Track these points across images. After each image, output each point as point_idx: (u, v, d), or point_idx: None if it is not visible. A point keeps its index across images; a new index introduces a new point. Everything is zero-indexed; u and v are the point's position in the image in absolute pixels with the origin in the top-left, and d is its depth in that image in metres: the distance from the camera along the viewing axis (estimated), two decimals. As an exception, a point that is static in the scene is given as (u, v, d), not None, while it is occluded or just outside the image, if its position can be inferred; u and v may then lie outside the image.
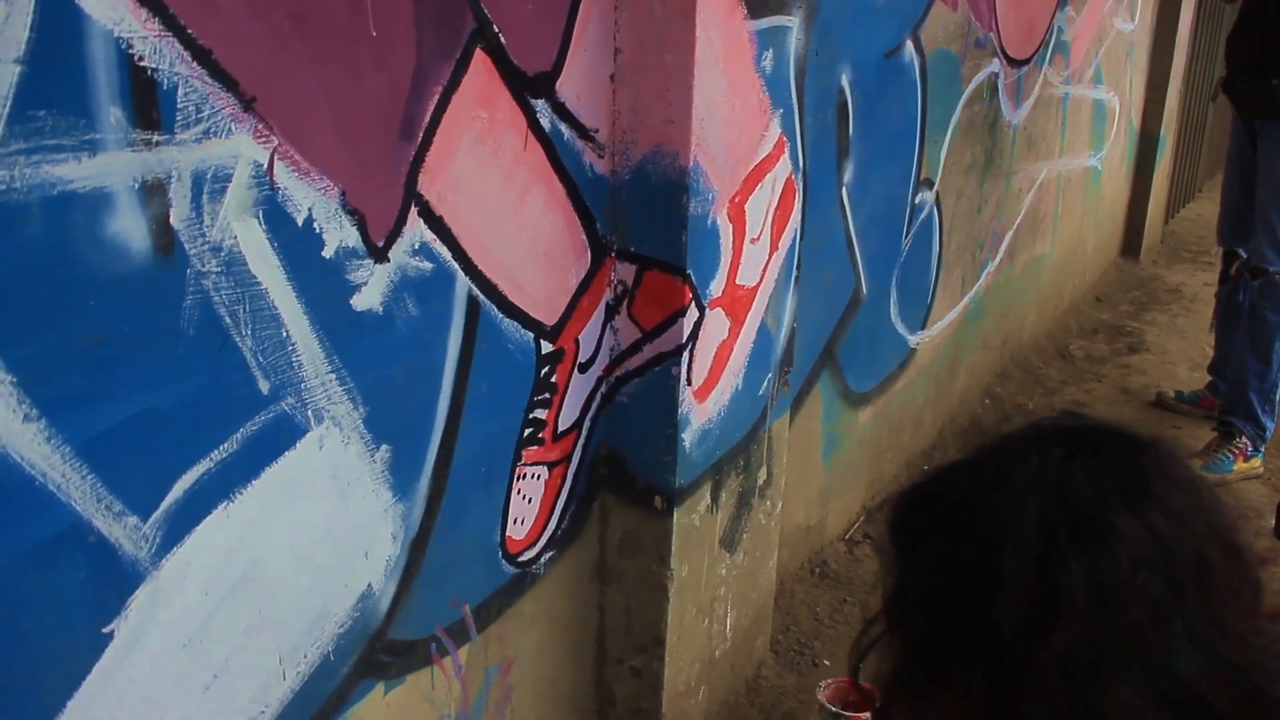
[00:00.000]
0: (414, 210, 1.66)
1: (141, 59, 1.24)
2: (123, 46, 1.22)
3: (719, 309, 2.20)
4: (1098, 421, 1.06)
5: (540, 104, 1.87)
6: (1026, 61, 4.15)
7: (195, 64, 1.30)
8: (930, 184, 3.50)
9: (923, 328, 3.75)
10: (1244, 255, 4.19)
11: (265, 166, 1.42)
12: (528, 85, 1.83)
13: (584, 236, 2.04)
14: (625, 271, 2.12)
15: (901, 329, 3.58)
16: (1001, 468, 1.00)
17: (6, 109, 1.14)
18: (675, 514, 2.23)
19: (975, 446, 1.08)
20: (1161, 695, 0.92)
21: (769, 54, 2.16)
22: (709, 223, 2.08)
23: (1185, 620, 0.92)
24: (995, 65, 3.83)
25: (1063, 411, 1.08)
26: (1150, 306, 5.87)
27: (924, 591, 1.04)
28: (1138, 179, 6.45)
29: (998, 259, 4.36)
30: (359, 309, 1.61)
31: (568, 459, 2.17)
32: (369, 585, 1.75)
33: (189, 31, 1.29)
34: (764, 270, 2.33)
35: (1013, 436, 1.05)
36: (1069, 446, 0.99)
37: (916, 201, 3.41)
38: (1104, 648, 0.92)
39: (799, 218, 2.44)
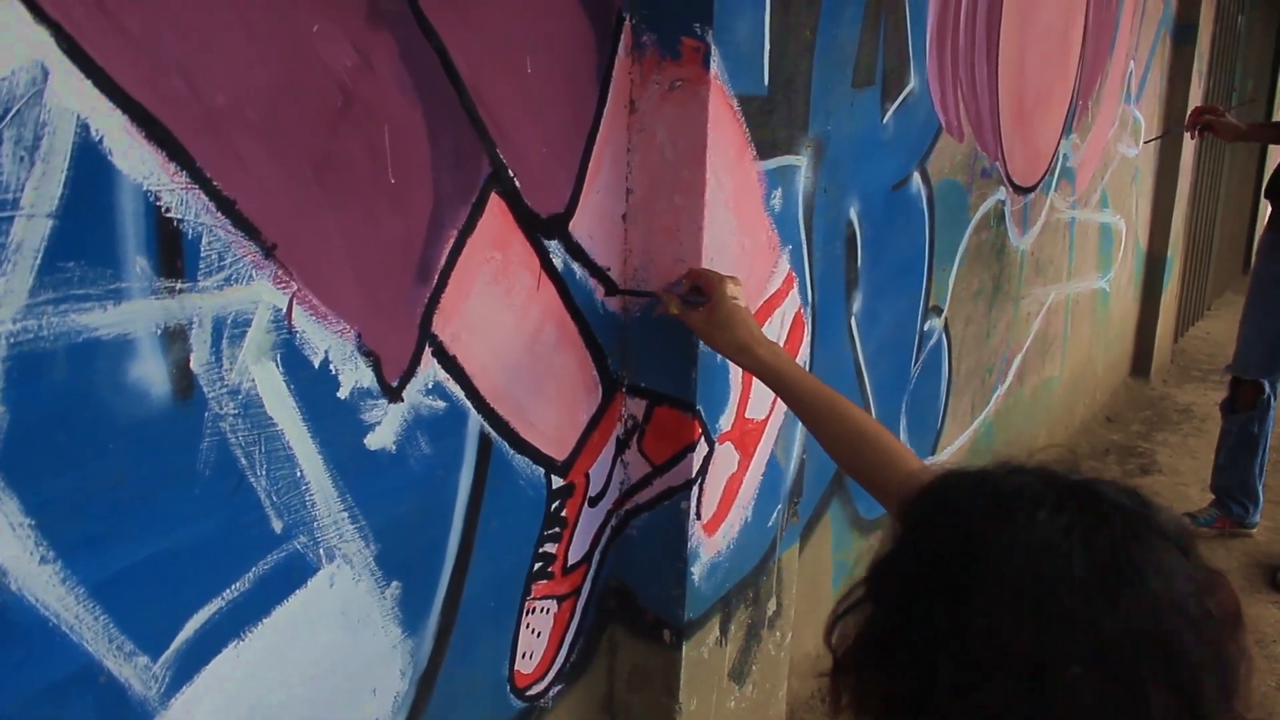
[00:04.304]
0: (428, 350, 1.69)
1: (168, 210, 1.28)
2: (150, 199, 1.26)
3: (728, 443, 2.21)
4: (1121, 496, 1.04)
5: (553, 244, 1.91)
6: (1033, 188, 4.22)
7: (220, 214, 1.34)
8: (939, 311, 3.53)
9: (933, 453, 3.76)
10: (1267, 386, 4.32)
11: (284, 311, 1.45)
12: (541, 226, 1.87)
13: (595, 373, 2.07)
14: (635, 406, 2.14)
15: (912, 455, 3.58)
16: (1013, 512, 0.99)
17: (38, 261, 1.17)
18: (684, 647, 2.22)
19: (1022, 467, 1.07)
20: None
21: (778, 193, 2.21)
22: (718, 359, 2.10)
23: None
24: (1002, 193, 3.89)
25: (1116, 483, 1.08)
26: (1161, 426, 5.88)
27: (904, 589, 1.03)
28: (1146, 299, 6.50)
29: (1007, 383, 4.38)
30: (372, 448, 1.63)
31: (577, 592, 2.16)
32: (376, 722, 1.75)
33: (215, 183, 1.33)
34: (773, 403, 2.35)
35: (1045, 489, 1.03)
36: (1082, 513, 0.99)
37: (925, 329, 3.44)
38: None
39: (808, 350, 2.46)
